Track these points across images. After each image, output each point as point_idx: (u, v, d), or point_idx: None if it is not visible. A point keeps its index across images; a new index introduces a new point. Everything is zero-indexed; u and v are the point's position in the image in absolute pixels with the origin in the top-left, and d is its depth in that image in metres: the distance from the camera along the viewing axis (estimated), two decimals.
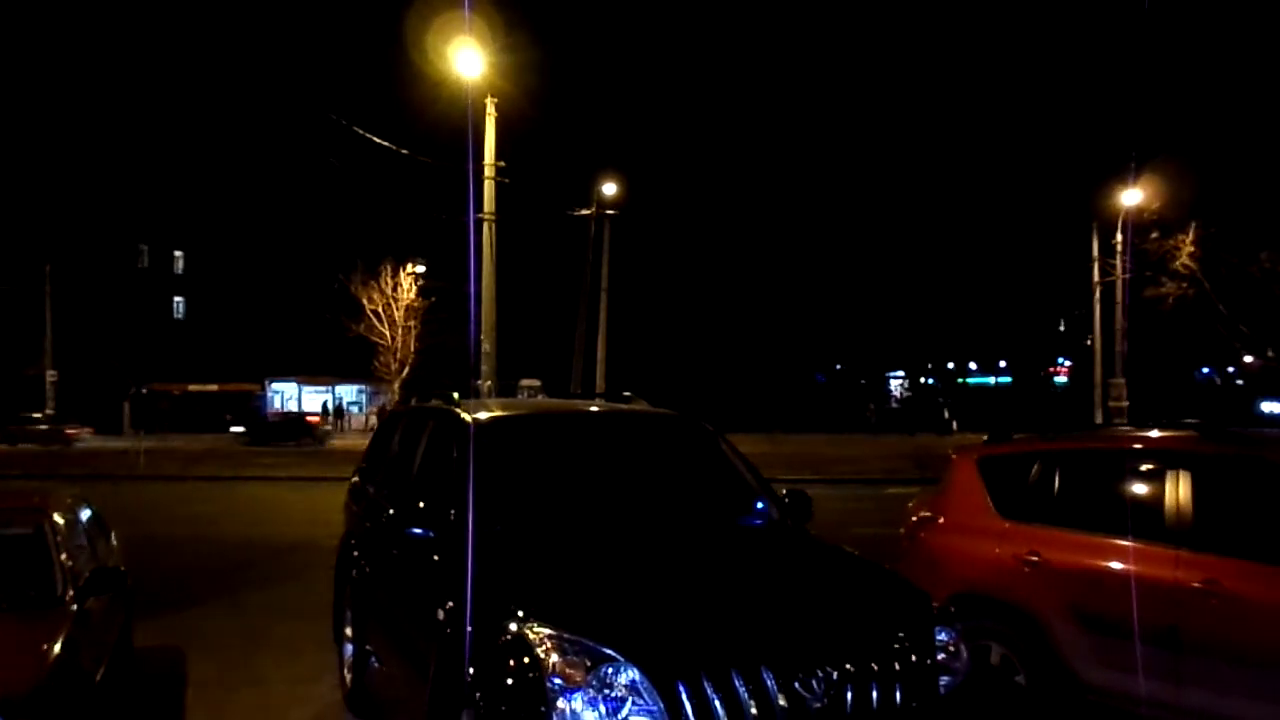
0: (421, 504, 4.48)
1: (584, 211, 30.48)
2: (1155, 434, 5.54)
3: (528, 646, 3.32)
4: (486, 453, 4.56)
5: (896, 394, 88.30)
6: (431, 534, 4.31)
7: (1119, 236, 35.74)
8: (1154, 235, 36.88)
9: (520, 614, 3.43)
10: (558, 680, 3.22)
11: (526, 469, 4.70)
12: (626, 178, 31.65)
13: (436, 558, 4.28)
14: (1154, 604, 4.84)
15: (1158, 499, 5.06)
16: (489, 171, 19.98)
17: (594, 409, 5.62)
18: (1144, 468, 5.29)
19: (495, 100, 19.88)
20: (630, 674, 3.21)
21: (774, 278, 74.31)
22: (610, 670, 3.22)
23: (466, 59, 18.34)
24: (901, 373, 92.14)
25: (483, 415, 4.96)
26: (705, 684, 3.22)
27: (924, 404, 58.11)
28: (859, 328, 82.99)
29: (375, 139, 20.38)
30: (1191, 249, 37.02)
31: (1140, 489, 5.24)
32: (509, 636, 3.39)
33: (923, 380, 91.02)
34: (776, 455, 27.91)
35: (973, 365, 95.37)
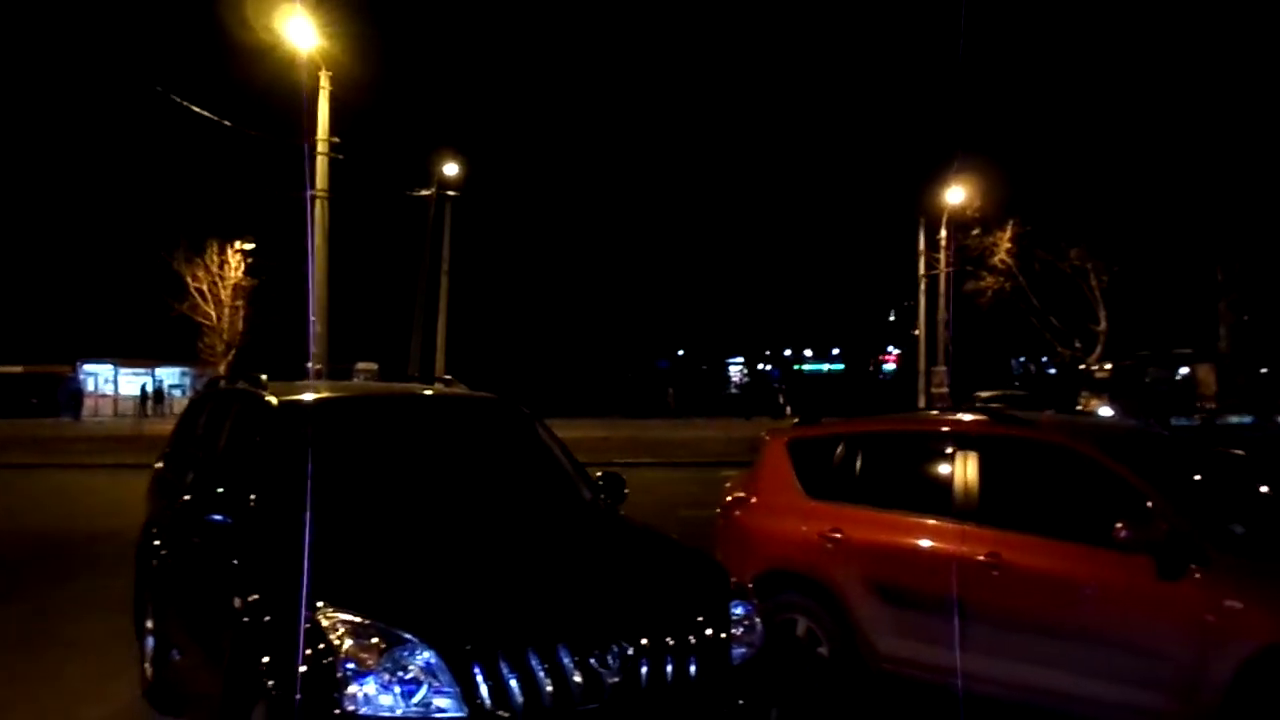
0: (221, 489, 4.34)
1: (424, 192, 29.91)
2: (948, 417, 5.90)
3: (321, 632, 3.28)
4: (290, 436, 4.45)
5: (736, 379, 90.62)
6: (230, 520, 4.18)
7: (943, 233, 37.64)
8: (975, 232, 39.03)
9: (316, 600, 3.38)
10: (350, 665, 3.19)
11: (332, 453, 4.60)
12: (468, 159, 31.27)
13: (235, 545, 4.15)
14: (943, 576, 5.16)
15: (949, 478, 5.39)
16: (322, 147, 19.35)
17: (406, 392, 5.55)
18: (937, 449, 5.63)
19: (330, 74, 19.24)
20: (425, 656, 3.22)
21: (617, 264, 74.95)
22: (405, 653, 3.21)
23: (299, 29, 17.69)
24: (741, 359, 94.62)
25: (288, 398, 4.83)
26: (501, 663, 3.26)
27: (761, 389, 59.77)
28: (701, 315, 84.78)
29: (197, 109, 19.39)
30: (1009, 245, 39.36)
31: (933, 469, 5.57)
32: (304, 624, 3.34)
33: (761, 366, 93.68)
34: (615, 439, 28.17)
35: (808, 352, 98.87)
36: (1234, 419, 29.81)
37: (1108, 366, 36.60)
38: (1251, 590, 4.33)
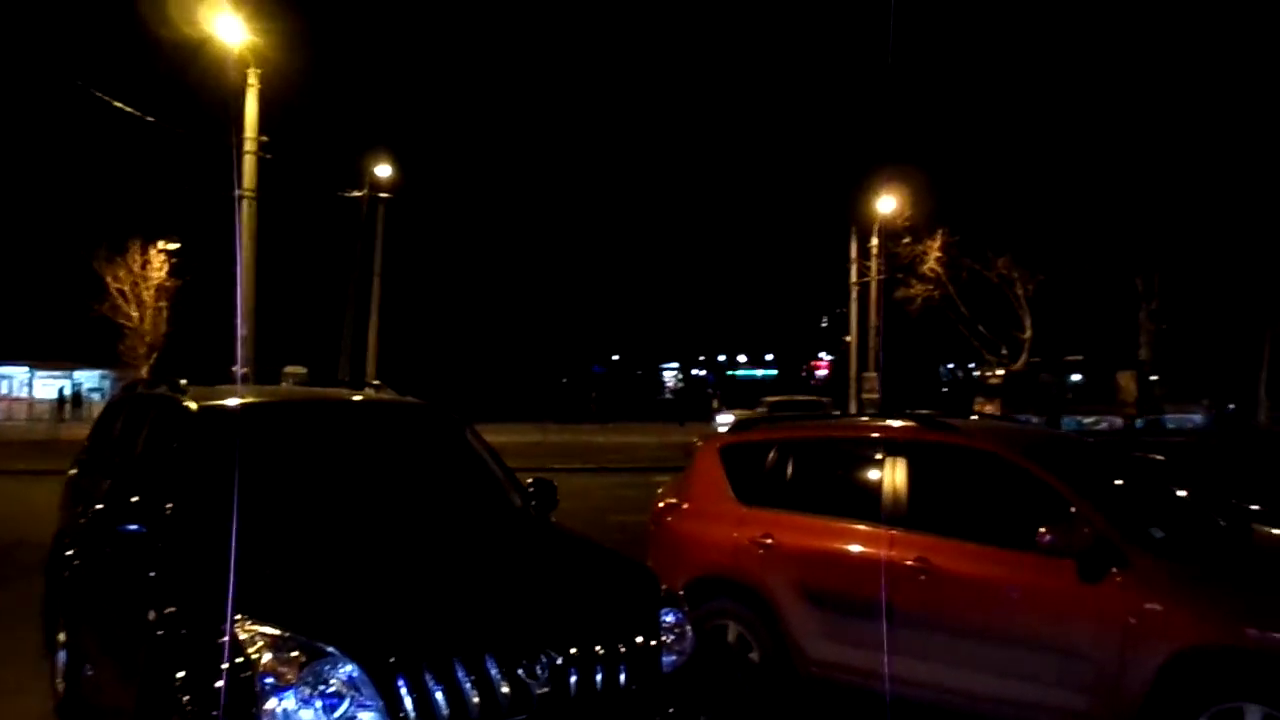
0: (137, 498, 4.19)
1: (355, 194, 29.46)
2: (878, 423, 5.95)
3: (239, 646, 3.18)
4: (209, 442, 4.32)
5: (670, 384, 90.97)
6: (145, 530, 4.03)
7: (874, 241, 38.20)
8: (906, 240, 39.72)
9: (234, 613, 3.27)
10: (269, 680, 3.10)
11: (253, 460, 4.47)
12: (401, 162, 30.86)
13: (150, 556, 4.01)
14: (872, 581, 5.20)
15: (878, 484, 5.44)
16: (250, 146, 18.92)
17: (334, 397, 5.43)
18: (867, 455, 5.67)
19: (259, 72, 18.83)
20: (347, 669, 3.13)
21: (552, 269, 74.71)
22: (326, 666, 3.13)
23: (226, 25, 17.28)
24: (675, 364, 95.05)
25: (208, 403, 4.69)
26: (426, 675, 3.20)
27: (695, 394, 60.07)
28: (635, 320, 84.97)
29: (119, 104, 18.84)
30: (938, 254, 40.13)
31: (863, 474, 5.62)
32: (221, 637, 3.23)
33: (695, 371, 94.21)
34: (546, 445, 28.06)
35: (742, 358, 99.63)
36: (1171, 419, 31.09)
37: (999, 372, 37.79)
38: (1171, 593, 4.43)
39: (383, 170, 29.45)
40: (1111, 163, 36.76)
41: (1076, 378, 38.21)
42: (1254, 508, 6.93)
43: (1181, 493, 5.92)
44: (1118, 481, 5.55)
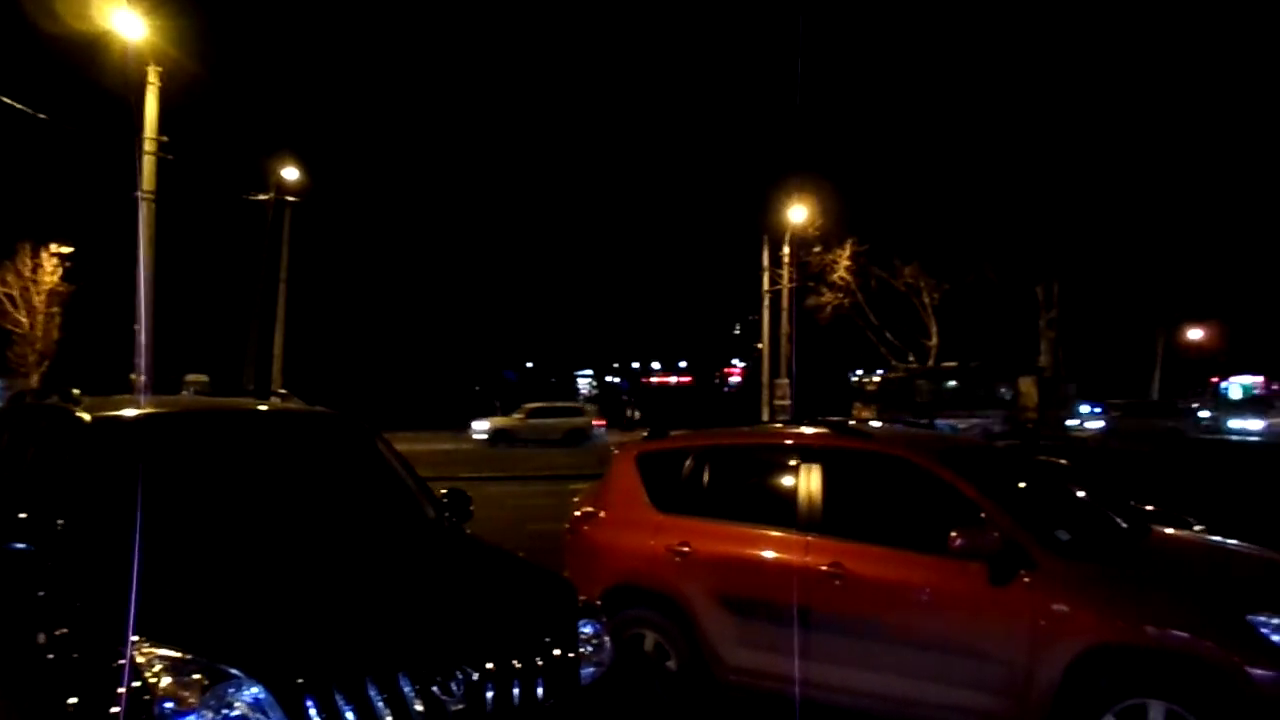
0: (25, 514, 3.97)
1: (261, 196, 28.72)
2: (792, 430, 6.00)
3: (136, 670, 3.02)
4: (103, 455, 4.12)
5: (585, 391, 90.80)
6: (33, 548, 3.82)
7: (786, 249, 38.72)
8: (816, 249, 40.41)
9: (131, 635, 3.11)
10: (169, 704, 2.96)
11: (151, 473, 4.28)
12: (309, 165, 30.16)
13: (39, 575, 3.79)
14: (787, 587, 5.22)
15: (793, 490, 5.47)
16: (150, 146, 18.28)
17: (237, 407, 5.24)
18: (782, 462, 5.70)
19: (159, 69, 18.20)
20: (252, 691, 3.01)
21: (465, 274, 73.95)
22: (230, 689, 3.00)
23: (125, 19, 16.65)
24: (590, 371, 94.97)
25: (103, 413, 4.47)
26: (337, 696, 3.09)
27: (610, 401, 60.04)
28: (550, 327, 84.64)
29: (8, 101, 18.00)
30: (848, 263, 40.93)
31: (778, 481, 5.65)
32: (118, 660, 3.07)
33: (609, 378, 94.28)
34: (460, 453, 27.73)
35: (656, 365, 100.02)
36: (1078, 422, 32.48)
37: (875, 378, 38.84)
38: (1076, 593, 4.54)
39: (289, 173, 28.75)
40: (1012, 175, 37.97)
41: (953, 383, 39.63)
42: (1150, 508, 7.19)
43: (1082, 494, 6.08)
44: (1024, 486, 5.68)
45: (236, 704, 2.99)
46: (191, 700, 2.96)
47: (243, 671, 3.03)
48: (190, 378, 34.70)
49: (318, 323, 49.11)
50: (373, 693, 3.15)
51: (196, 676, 3.00)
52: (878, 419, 24.40)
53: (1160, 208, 37.57)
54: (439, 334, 71.57)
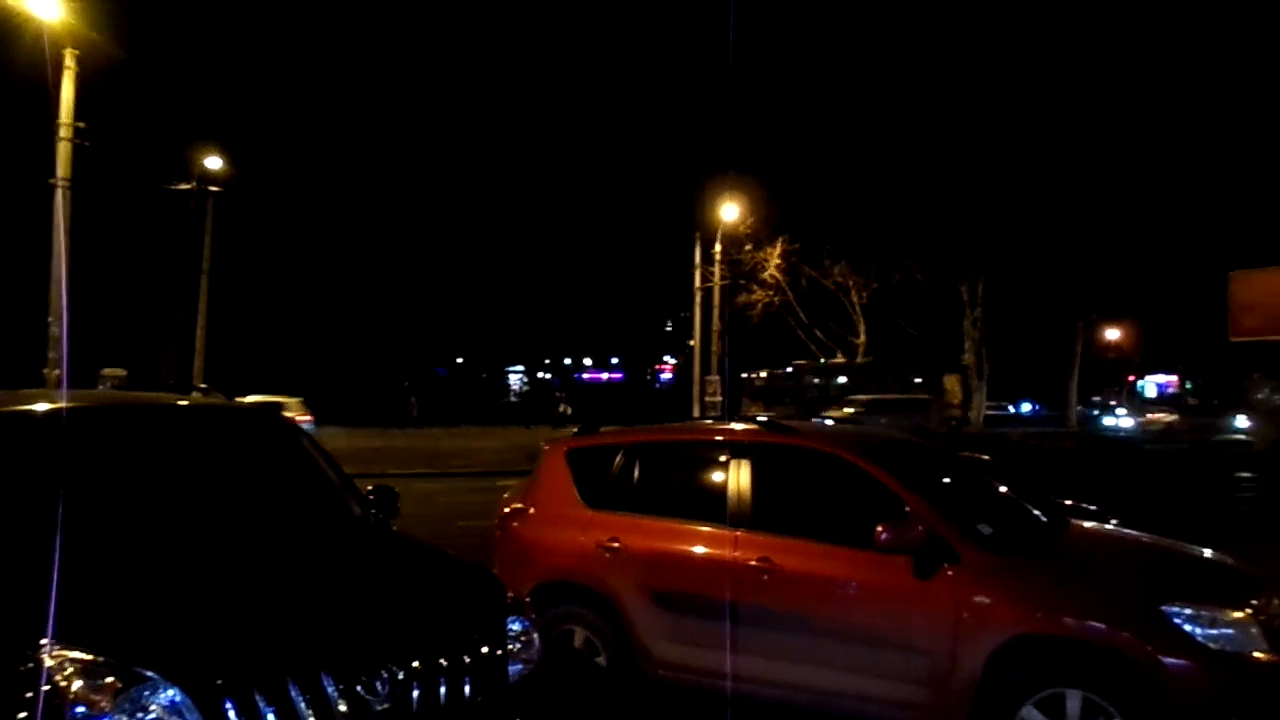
0: None
1: (183, 185, 28.00)
2: (722, 426, 6.03)
3: (46, 673, 2.91)
4: (10, 452, 3.96)
5: (516, 388, 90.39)
6: None
7: (718, 247, 38.94)
8: (748, 248, 40.77)
9: (39, 638, 3.00)
10: (80, 709, 2.85)
11: (62, 469, 4.13)
12: (234, 155, 29.49)
13: None
14: (716, 582, 5.25)
15: (723, 486, 5.50)
16: (65, 132, 17.72)
17: (155, 401, 5.08)
18: (711, 457, 5.73)
19: (76, 53, 17.60)
20: (169, 694, 2.92)
21: (395, 268, 72.94)
22: (145, 692, 2.90)
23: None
24: (521, 367, 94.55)
25: (10, 408, 4.29)
26: (257, 698, 3.01)
27: (541, 398, 59.81)
28: (480, 323, 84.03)
29: None
30: (779, 261, 41.38)
31: (708, 477, 5.67)
32: (25, 664, 2.95)
33: (541, 375, 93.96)
34: (388, 450, 27.37)
35: (588, 361, 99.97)
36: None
37: (763, 375, 39.57)
38: (998, 585, 4.64)
39: (213, 162, 28.09)
40: (937, 176, 38.73)
41: (843, 379, 40.62)
42: (1068, 502, 7.39)
43: (1004, 489, 6.22)
44: (948, 481, 5.79)
45: (152, 707, 2.89)
46: (104, 704, 2.86)
47: (158, 674, 2.93)
48: (107, 372, 33.63)
49: (241, 317, 48.08)
50: (295, 693, 3.08)
51: (109, 680, 2.90)
52: (764, 415, 24.80)
53: (1079, 209, 38.65)
54: (368, 329, 70.52)
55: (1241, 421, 34.81)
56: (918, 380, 41.20)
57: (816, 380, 39.30)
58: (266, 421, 5.09)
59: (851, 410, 30.98)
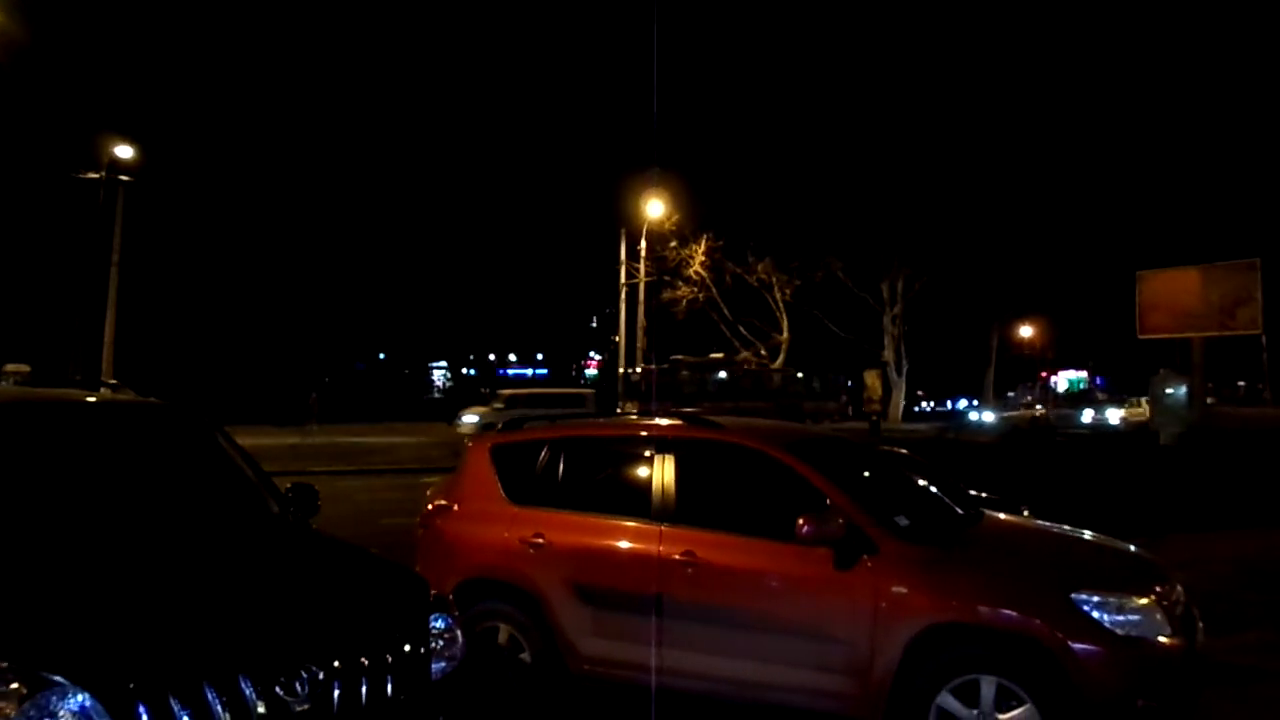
0: None
1: (92, 175, 27.08)
2: (645, 422, 6.05)
3: None
4: None
5: (439, 383, 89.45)
6: None
7: (643, 244, 39.03)
8: (673, 244, 40.98)
9: None
10: None
11: None
12: (146, 144, 28.62)
13: None
14: (640, 576, 5.27)
15: (647, 481, 5.52)
16: None
17: (62, 398, 4.91)
18: (636, 453, 5.74)
19: None
20: (78, 699, 2.82)
21: (315, 261, 71.48)
22: (53, 698, 2.80)
23: None
24: (444, 363, 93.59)
25: None
26: (171, 701, 2.93)
27: (466, 393, 59.22)
28: (403, 318, 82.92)
29: None
30: (703, 258, 41.66)
31: (633, 472, 5.69)
32: None
33: (464, 370, 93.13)
34: (308, 447, 26.88)
35: (512, 357, 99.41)
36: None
37: (637, 370, 40.01)
38: (914, 576, 4.74)
39: (123, 151, 27.20)
40: (858, 175, 39.39)
41: (722, 375, 41.08)
42: (984, 494, 7.59)
43: (922, 482, 6.36)
44: (867, 474, 5.90)
45: (60, 713, 2.80)
46: (8, 711, 2.76)
47: (67, 679, 2.84)
48: (10, 367, 32.31)
49: (154, 311, 46.72)
50: (210, 696, 3.00)
51: (14, 685, 2.79)
52: (639, 412, 24.74)
53: (995, 210, 39.68)
54: (287, 324, 69.01)
55: (1086, 416, 36.78)
56: (799, 374, 41.71)
57: (693, 376, 39.30)
58: (180, 418, 4.94)
59: (500, 405, 29.49)
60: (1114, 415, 39.42)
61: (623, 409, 33.68)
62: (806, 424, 31.32)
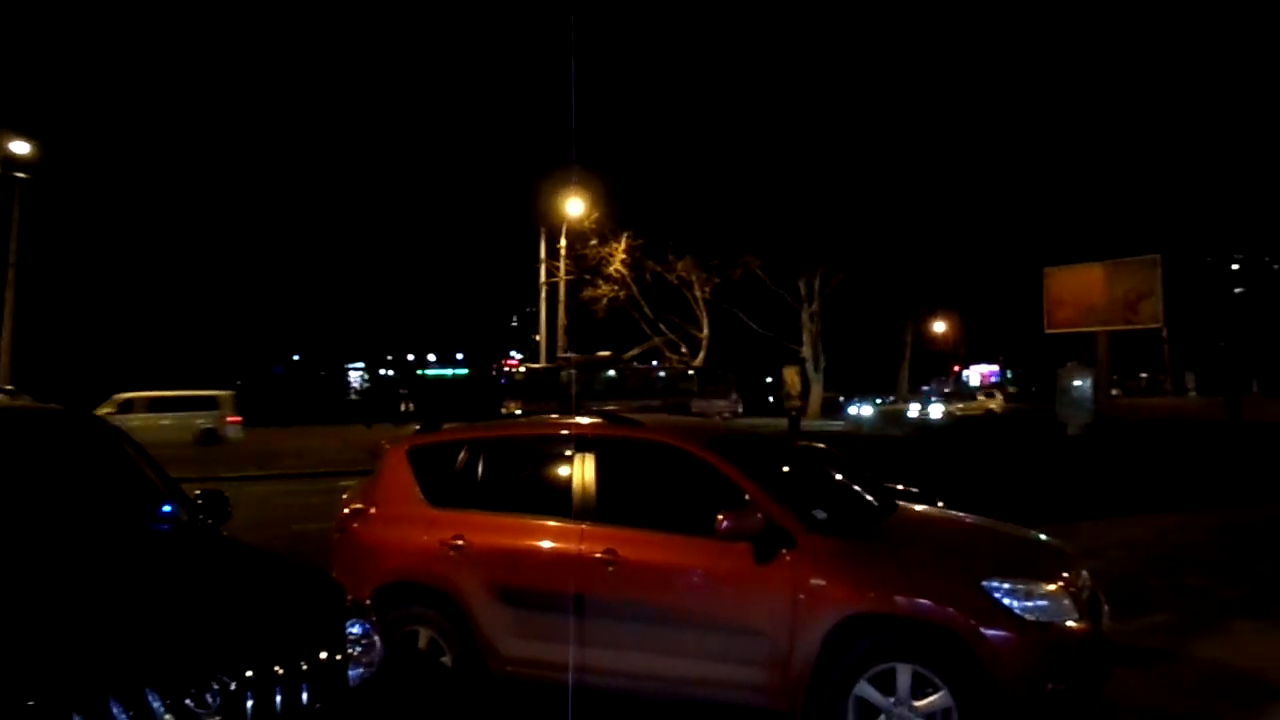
0: None
1: None
2: (565, 421, 6.03)
3: None
4: None
5: (356, 385, 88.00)
6: None
7: (563, 242, 38.93)
8: (593, 243, 40.97)
9: None
10: None
11: None
12: (46, 140, 27.58)
13: None
14: (563, 575, 5.26)
15: (568, 480, 5.50)
16: None
17: None
18: (556, 452, 5.72)
19: None
20: None
21: (225, 261, 69.55)
22: None
23: None
24: (362, 364, 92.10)
25: None
26: (75, 718, 2.82)
27: (383, 395, 58.35)
28: (318, 319, 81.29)
29: None
30: (624, 256, 41.72)
31: (553, 471, 5.66)
32: None
33: (382, 371, 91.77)
34: (218, 451, 26.19)
35: (432, 357, 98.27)
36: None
37: (522, 370, 40.00)
38: (832, 568, 4.82)
39: (20, 146, 26.15)
40: (775, 173, 39.87)
41: (610, 373, 41.25)
42: (899, 487, 7.74)
43: (838, 475, 6.46)
44: (785, 469, 5.97)
45: None
46: None
47: None
48: None
49: (56, 314, 45.03)
50: (116, 710, 2.90)
51: None
52: (524, 411, 24.64)
53: (908, 207, 40.56)
54: (199, 327, 67.08)
55: (935, 411, 38.23)
56: (690, 371, 41.87)
57: (579, 375, 38.96)
58: (82, 424, 4.77)
59: (111, 410, 26.50)
60: (936, 410, 40.72)
61: (507, 409, 33.33)
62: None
